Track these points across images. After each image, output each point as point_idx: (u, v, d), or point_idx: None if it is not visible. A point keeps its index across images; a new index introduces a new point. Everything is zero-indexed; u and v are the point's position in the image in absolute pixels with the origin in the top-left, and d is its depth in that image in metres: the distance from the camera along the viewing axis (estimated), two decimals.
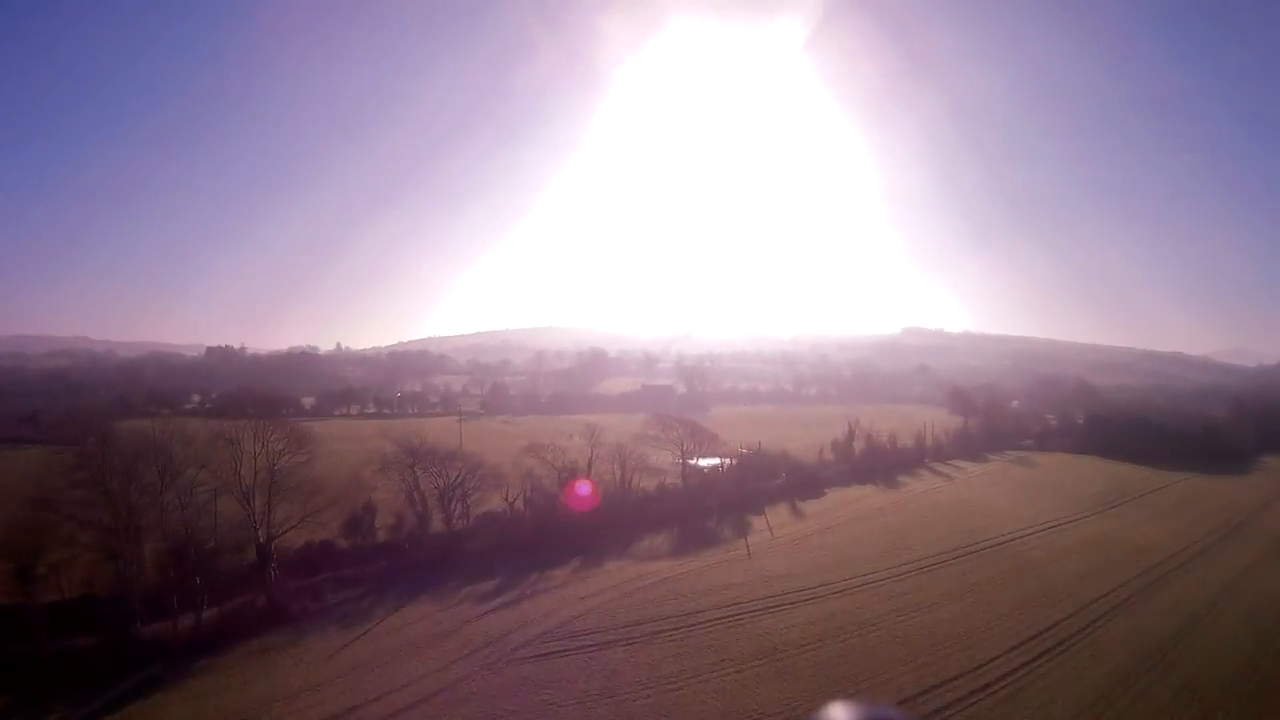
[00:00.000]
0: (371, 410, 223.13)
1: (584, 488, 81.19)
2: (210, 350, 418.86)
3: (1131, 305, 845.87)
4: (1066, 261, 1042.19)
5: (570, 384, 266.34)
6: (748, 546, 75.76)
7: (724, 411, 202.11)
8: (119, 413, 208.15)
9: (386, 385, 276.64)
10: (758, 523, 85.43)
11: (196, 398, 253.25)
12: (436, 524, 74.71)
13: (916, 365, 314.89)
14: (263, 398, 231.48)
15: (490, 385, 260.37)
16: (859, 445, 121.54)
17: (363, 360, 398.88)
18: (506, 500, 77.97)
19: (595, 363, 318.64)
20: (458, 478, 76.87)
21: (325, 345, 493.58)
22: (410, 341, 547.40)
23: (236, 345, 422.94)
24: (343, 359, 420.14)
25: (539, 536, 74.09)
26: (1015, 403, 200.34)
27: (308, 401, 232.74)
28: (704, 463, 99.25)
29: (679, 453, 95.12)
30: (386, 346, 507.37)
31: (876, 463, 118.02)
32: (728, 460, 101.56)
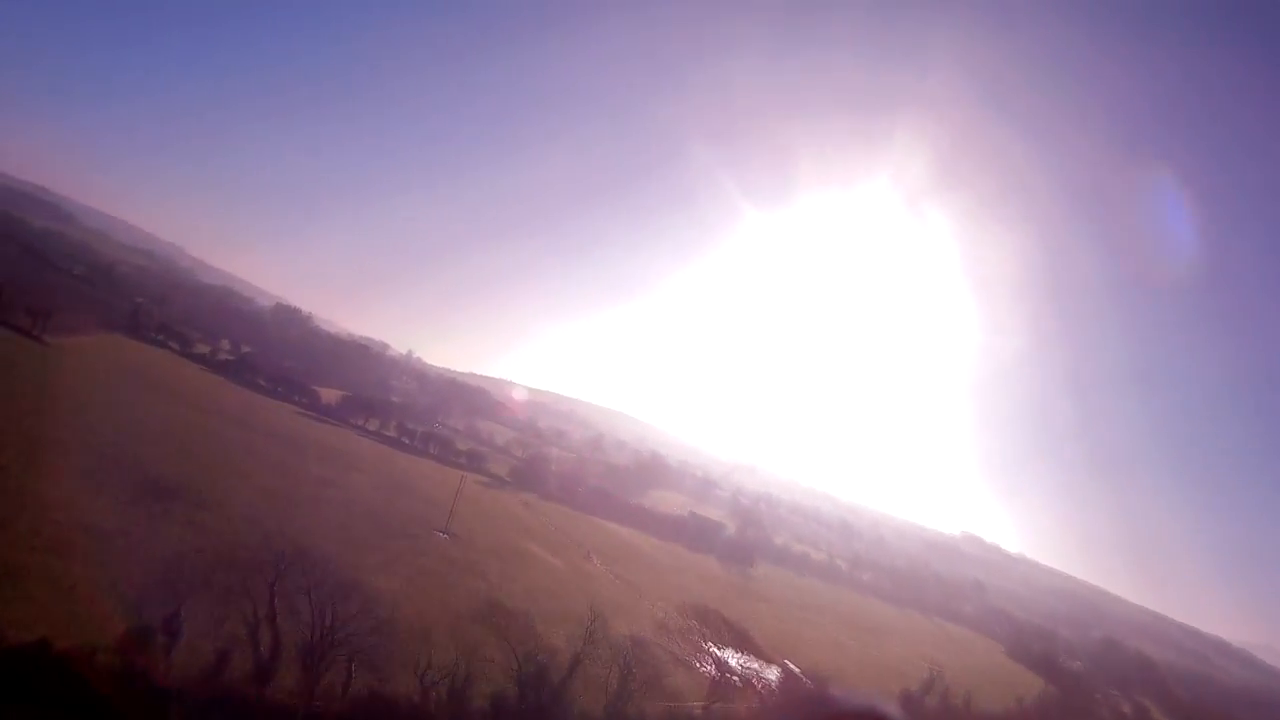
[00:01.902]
0: (390, 434, 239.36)
1: None
2: (278, 307, 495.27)
3: (1174, 568, 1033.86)
4: (1127, 511, 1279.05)
5: (618, 482, 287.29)
6: None
7: (770, 573, 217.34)
8: (127, 325, 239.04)
9: (429, 411, 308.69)
10: None
11: (225, 344, 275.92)
12: (284, 683, 59.04)
13: (972, 580, 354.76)
14: (279, 373, 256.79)
15: (532, 453, 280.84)
16: (932, 701, 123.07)
17: (422, 375, 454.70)
18: (420, 681, 62.90)
19: (652, 467, 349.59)
20: (336, 628, 59.15)
21: (399, 347, 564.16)
22: (481, 375, 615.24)
23: (305, 310, 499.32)
24: (404, 367, 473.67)
25: None
26: (1078, 664, 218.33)
27: (330, 395, 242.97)
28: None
29: (711, 666, 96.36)
30: (458, 371, 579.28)
31: None
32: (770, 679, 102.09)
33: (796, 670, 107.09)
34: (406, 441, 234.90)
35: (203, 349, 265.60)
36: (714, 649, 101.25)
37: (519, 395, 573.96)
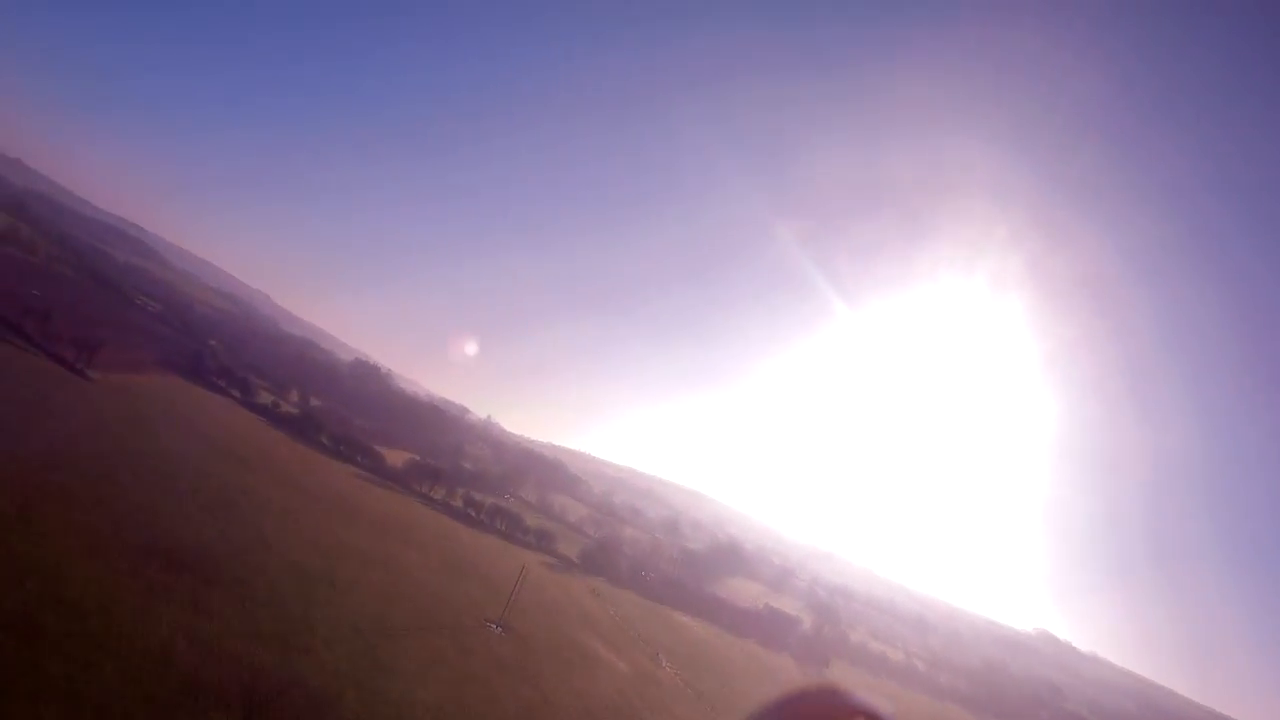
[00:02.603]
0: (456, 504, 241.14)
1: None
2: (357, 362, 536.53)
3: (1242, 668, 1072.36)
4: (1196, 608, 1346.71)
5: (692, 568, 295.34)
6: None
7: (847, 674, 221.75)
8: (189, 368, 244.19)
9: (501, 481, 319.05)
10: None
11: (294, 396, 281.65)
12: None
13: (1048, 683, 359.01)
14: (344, 432, 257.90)
15: (605, 533, 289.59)
16: None
17: (498, 443, 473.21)
18: None
19: (728, 554, 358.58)
20: None
21: (479, 411, 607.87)
22: (559, 447, 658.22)
23: (385, 367, 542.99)
24: (480, 433, 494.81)
25: None
26: None
27: (398, 458, 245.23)
28: None
29: None
30: (536, 440, 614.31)
31: None
32: None
33: None
34: (472, 514, 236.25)
35: (267, 399, 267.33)
36: None
37: (597, 469, 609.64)
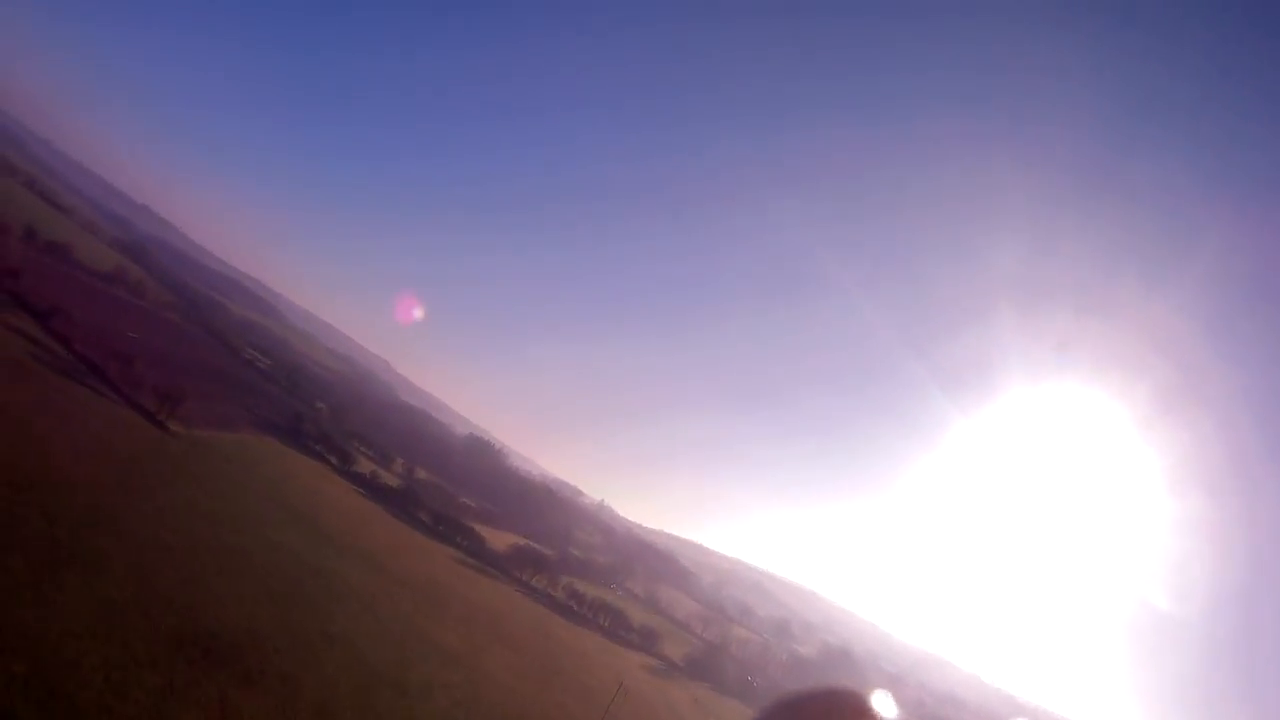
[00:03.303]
0: (557, 595, 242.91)
1: None
2: (471, 437, 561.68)
3: None
4: None
5: (802, 674, 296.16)
6: None
7: None
8: (287, 429, 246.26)
9: (609, 572, 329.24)
10: None
11: (398, 466, 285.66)
12: None
13: None
14: (445, 510, 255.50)
15: (712, 635, 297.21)
16: None
17: (609, 529, 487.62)
18: None
19: (839, 660, 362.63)
20: None
21: (593, 494, 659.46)
22: (671, 535, 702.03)
23: (499, 444, 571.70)
24: (592, 517, 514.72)
25: None
26: None
27: (501, 540, 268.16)
28: None
29: None
30: (648, 527, 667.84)
31: None
32: None
33: None
34: (574, 607, 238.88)
35: (366, 469, 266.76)
36: None
37: (709, 561, 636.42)
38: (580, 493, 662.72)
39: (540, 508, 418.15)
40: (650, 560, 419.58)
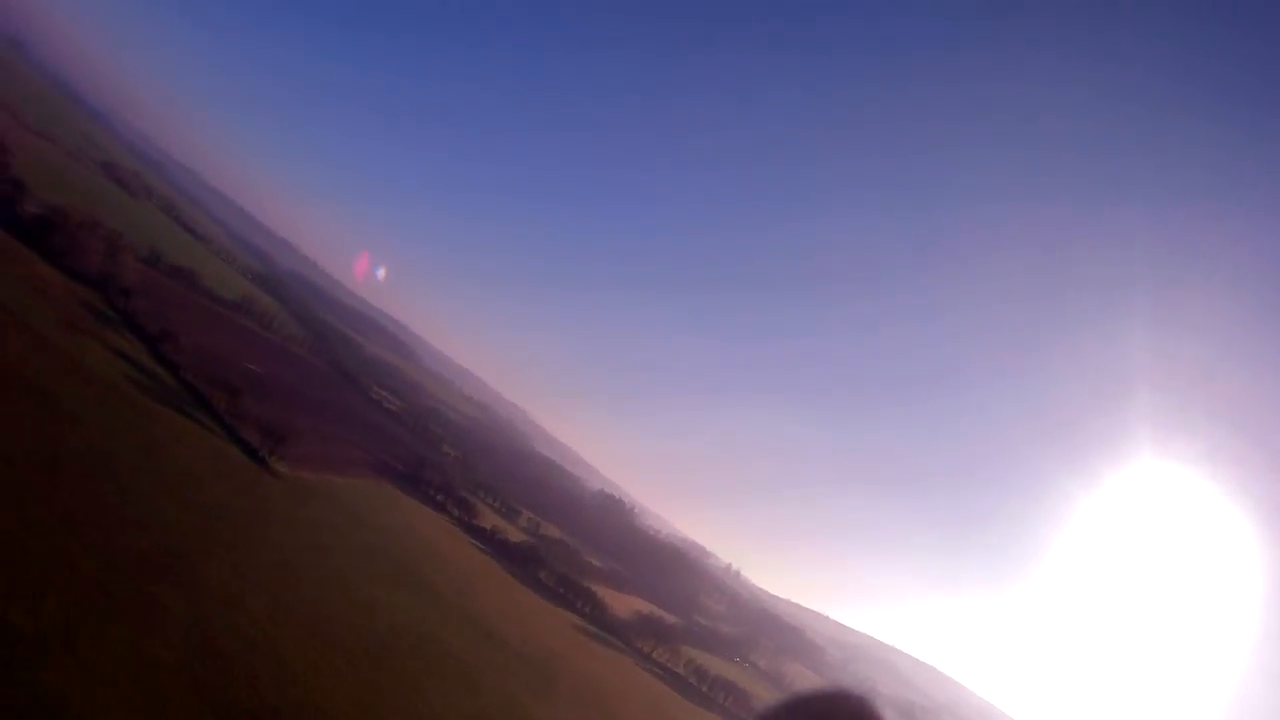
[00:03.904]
0: (679, 670, 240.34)
1: None
2: (601, 493, 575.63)
3: None
4: None
5: None
6: None
7: None
8: (407, 476, 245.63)
9: (734, 643, 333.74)
10: None
11: (524, 520, 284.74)
12: None
13: None
14: (568, 572, 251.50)
15: None
16: None
17: (736, 597, 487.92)
18: None
19: None
20: None
21: (722, 556, 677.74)
22: (798, 605, 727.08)
23: (630, 502, 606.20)
24: (720, 582, 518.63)
25: None
26: None
27: (625, 605, 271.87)
28: None
29: None
30: (776, 595, 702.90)
31: None
32: None
33: None
34: (694, 683, 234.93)
35: (490, 522, 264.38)
36: None
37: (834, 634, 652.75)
38: (709, 554, 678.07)
39: (668, 570, 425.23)
40: (777, 632, 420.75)
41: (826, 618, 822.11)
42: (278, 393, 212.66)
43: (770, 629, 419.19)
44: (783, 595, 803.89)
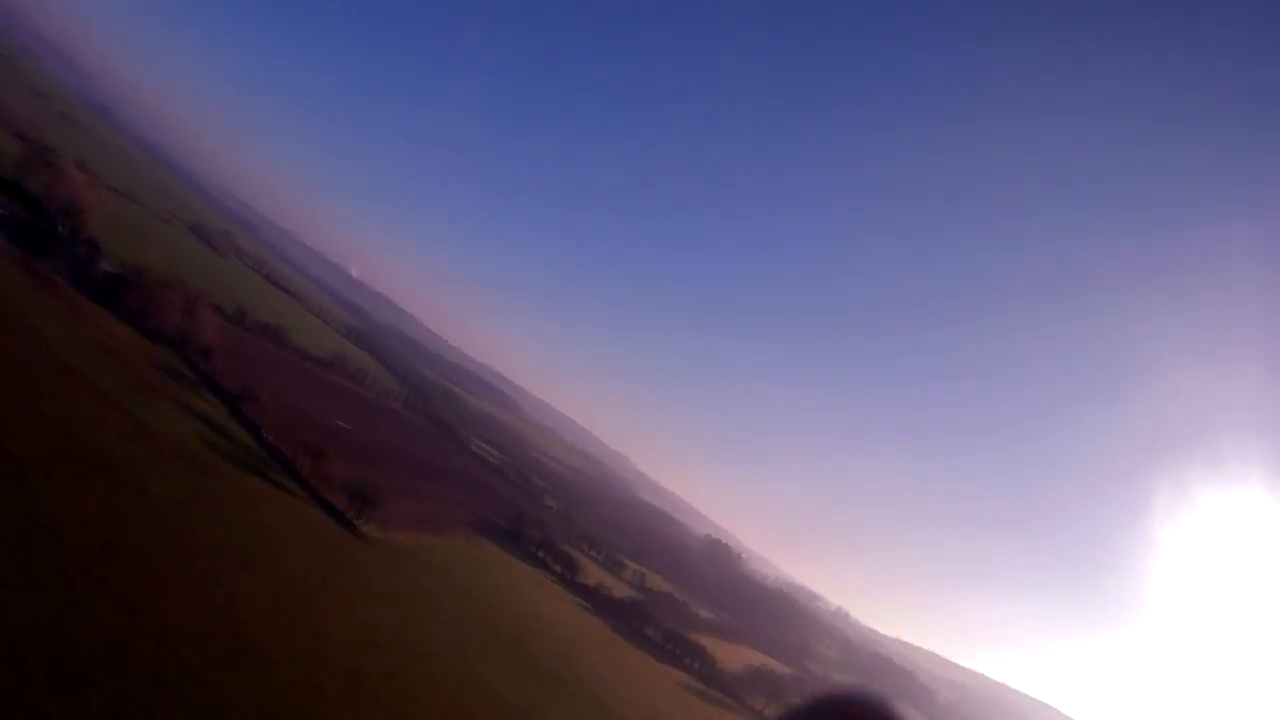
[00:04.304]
0: None
1: None
2: (708, 540, 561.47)
3: None
4: None
5: None
6: None
7: None
8: (507, 532, 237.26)
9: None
10: None
11: (629, 573, 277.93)
12: None
13: None
14: (677, 626, 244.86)
15: None
16: None
17: (846, 641, 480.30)
18: None
19: None
20: None
21: (830, 597, 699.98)
22: (908, 644, 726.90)
23: (737, 548, 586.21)
24: (830, 626, 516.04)
25: None
26: None
27: (737, 658, 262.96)
28: None
29: None
30: (885, 635, 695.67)
31: None
32: None
33: None
34: None
35: (594, 577, 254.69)
36: None
37: (945, 674, 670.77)
38: (817, 597, 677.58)
39: (777, 617, 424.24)
40: (889, 675, 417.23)
41: (936, 656, 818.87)
42: (370, 450, 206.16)
43: (882, 672, 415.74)
44: (891, 635, 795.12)
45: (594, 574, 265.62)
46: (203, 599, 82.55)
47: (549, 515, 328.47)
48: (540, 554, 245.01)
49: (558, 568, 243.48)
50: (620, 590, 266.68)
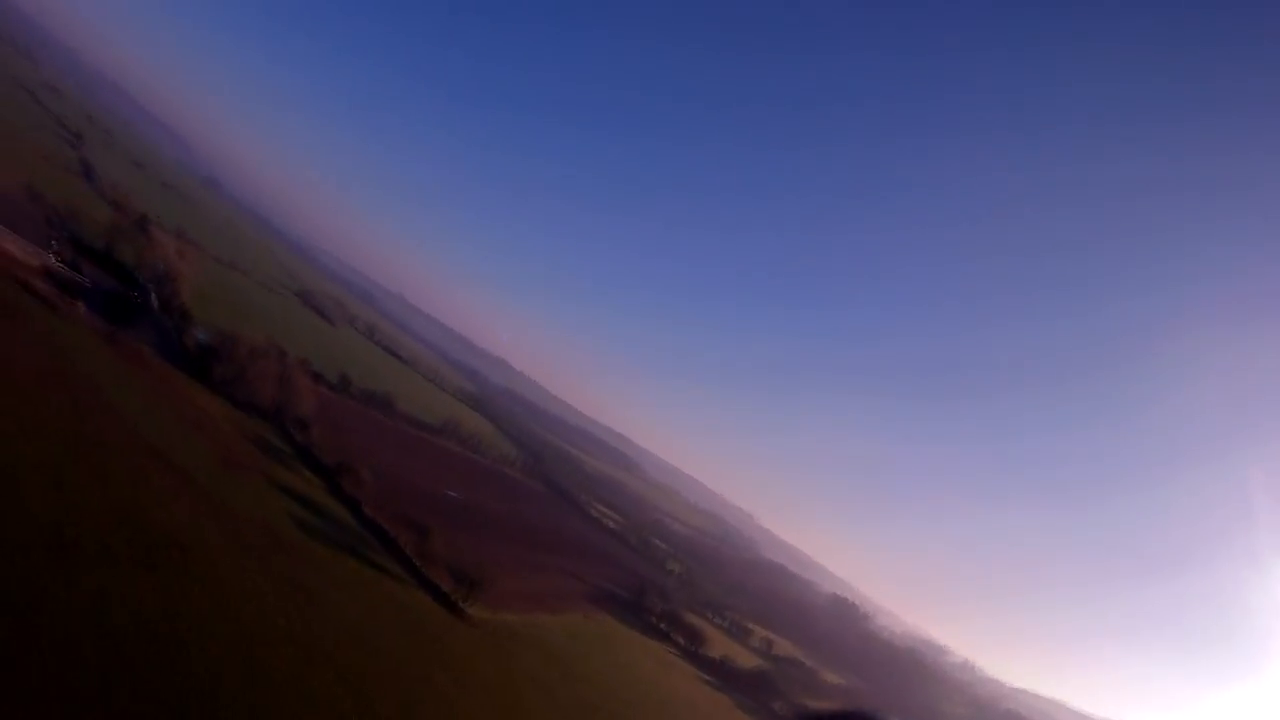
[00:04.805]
0: None
1: None
2: (834, 599, 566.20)
3: None
4: None
5: None
6: None
7: None
8: (629, 604, 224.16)
9: None
10: None
11: (757, 638, 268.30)
12: None
13: None
14: (801, 699, 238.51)
15: None
16: None
17: (974, 698, 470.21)
18: None
19: None
20: None
21: (958, 649, 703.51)
22: (1035, 695, 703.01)
23: (863, 606, 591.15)
24: (957, 681, 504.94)
25: None
26: None
27: None
28: None
29: None
30: (1012, 686, 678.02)
31: None
32: None
33: None
34: None
35: (719, 648, 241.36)
36: None
37: None
38: (944, 650, 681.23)
39: (906, 676, 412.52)
40: None
41: (1064, 706, 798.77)
42: (481, 520, 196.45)
43: None
44: (1018, 685, 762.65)
45: (719, 643, 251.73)
46: (274, 702, 71.22)
47: (671, 581, 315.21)
48: (662, 625, 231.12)
49: (681, 640, 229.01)
50: (746, 659, 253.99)
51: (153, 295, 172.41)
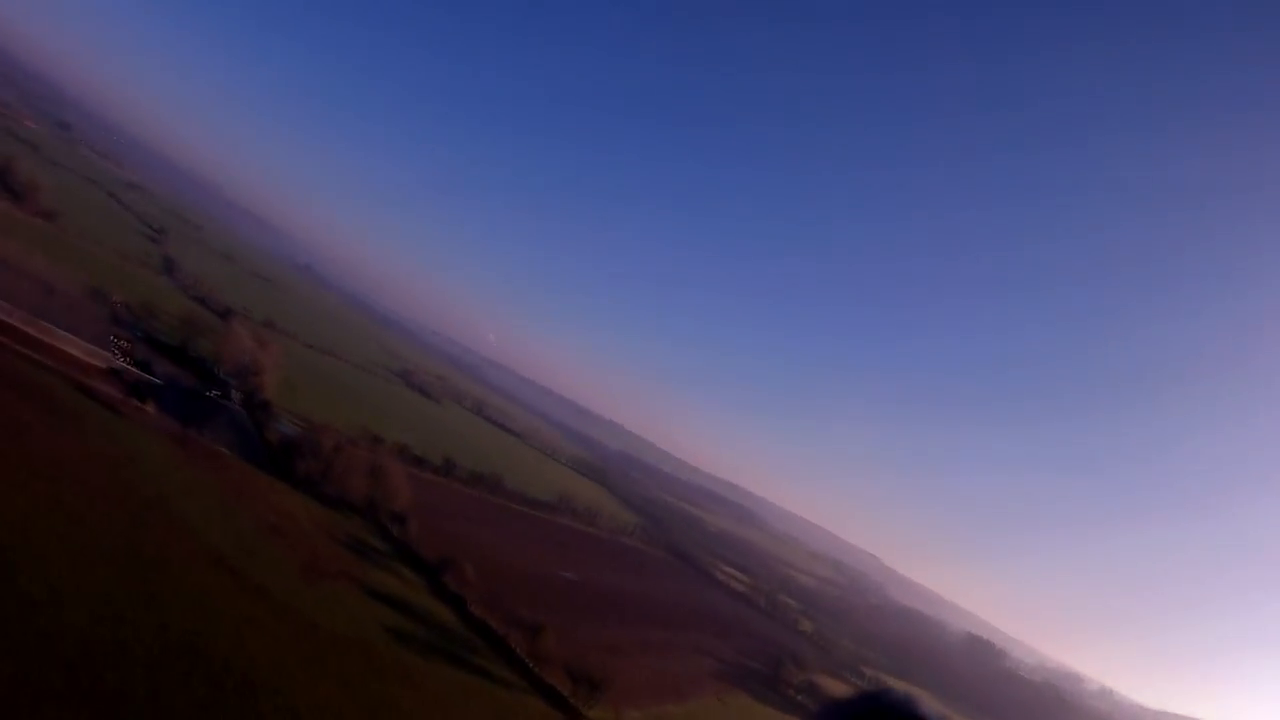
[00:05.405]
0: None
1: None
2: (969, 638, 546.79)
3: None
4: None
5: None
6: None
7: None
8: (765, 679, 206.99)
9: None
10: None
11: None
12: None
13: None
14: None
15: None
16: None
17: None
18: None
19: None
20: None
21: (1097, 676, 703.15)
22: (1175, 716, 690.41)
23: (999, 643, 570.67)
24: (1096, 714, 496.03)
25: None
26: None
27: None
28: None
29: None
30: (1151, 709, 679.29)
31: None
32: None
33: None
34: None
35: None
36: None
37: None
38: (1080, 679, 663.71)
39: (1047, 714, 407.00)
40: None
41: None
42: (599, 601, 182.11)
43: None
44: (1156, 708, 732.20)
45: None
46: None
47: (804, 644, 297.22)
48: (801, 698, 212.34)
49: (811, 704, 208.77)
50: None
51: (232, 390, 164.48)
